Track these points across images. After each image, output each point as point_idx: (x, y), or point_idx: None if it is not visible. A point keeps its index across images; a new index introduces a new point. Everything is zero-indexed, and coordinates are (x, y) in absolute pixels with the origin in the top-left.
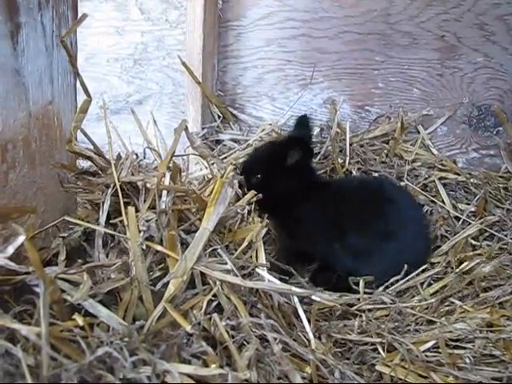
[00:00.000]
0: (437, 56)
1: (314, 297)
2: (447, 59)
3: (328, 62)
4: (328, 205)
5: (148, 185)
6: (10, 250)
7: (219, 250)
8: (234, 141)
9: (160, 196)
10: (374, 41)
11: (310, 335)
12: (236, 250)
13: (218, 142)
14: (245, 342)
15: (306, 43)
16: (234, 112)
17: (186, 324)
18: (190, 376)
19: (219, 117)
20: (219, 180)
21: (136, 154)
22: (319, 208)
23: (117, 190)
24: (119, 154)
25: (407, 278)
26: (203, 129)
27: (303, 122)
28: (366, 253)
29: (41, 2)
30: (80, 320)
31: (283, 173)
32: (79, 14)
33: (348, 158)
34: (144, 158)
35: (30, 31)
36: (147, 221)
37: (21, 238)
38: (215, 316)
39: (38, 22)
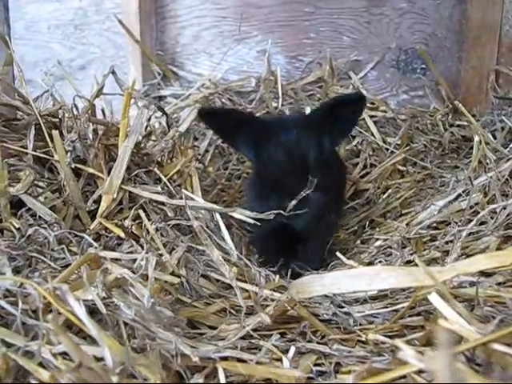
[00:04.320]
0: (363, 4)
1: (234, 214)
2: (373, 6)
3: (261, 16)
4: None
5: (66, 114)
6: None
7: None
8: (175, 96)
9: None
10: None
11: (229, 242)
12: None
13: (161, 98)
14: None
15: None
16: (174, 69)
17: (119, 231)
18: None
19: (159, 74)
20: (126, 92)
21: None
22: None
23: (40, 128)
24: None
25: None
26: (144, 86)
27: None
28: None
29: None
30: (15, 222)
31: None
32: None
33: (281, 100)
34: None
35: None
36: (72, 141)
37: None
38: (142, 213)
39: None
